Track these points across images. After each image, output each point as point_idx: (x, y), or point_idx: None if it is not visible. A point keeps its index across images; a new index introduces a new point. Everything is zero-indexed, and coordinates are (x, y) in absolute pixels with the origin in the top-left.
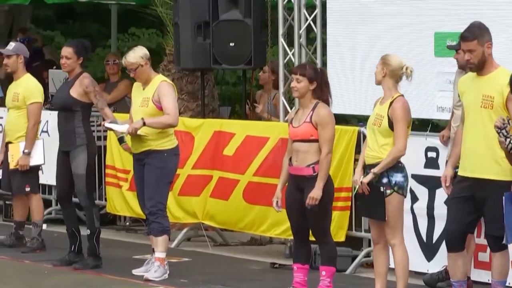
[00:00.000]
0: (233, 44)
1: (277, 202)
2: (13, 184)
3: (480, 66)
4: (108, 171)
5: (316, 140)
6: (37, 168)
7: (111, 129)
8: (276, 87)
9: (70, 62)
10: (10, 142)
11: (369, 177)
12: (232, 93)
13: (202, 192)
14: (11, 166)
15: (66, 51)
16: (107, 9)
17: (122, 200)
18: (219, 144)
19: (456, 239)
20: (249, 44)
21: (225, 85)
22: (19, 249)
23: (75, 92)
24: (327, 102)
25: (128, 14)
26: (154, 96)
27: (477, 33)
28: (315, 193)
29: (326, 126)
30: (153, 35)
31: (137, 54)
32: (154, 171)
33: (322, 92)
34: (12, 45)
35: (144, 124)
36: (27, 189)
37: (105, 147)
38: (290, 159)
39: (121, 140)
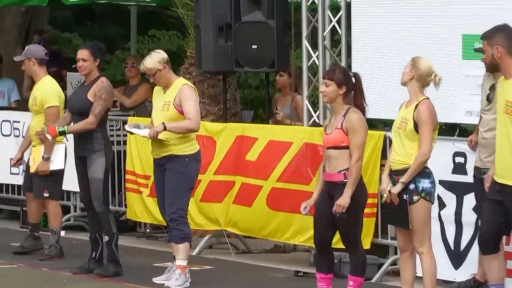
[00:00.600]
0: (256, 46)
1: (305, 207)
2: (34, 187)
3: (492, 67)
4: (128, 176)
5: (348, 147)
6: (59, 174)
7: (132, 133)
8: (294, 90)
9: (87, 64)
10: (34, 147)
11: (398, 187)
12: (254, 96)
13: (225, 198)
14: (32, 170)
15: (82, 53)
16: (127, 10)
17: (142, 206)
18: (241, 149)
19: (487, 240)
20: (272, 46)
21: (248, 89)
22: (37, 256)
23: (92, 95)
24: (360, 108)
25: (148, 15)
26: (175, 100)
27: (489, 34)
28: (343, 200)
29: (356, 132)
30: (174, 37)
31: (155, 59)
32: (175, 176)
33: (355, 97)
34: (24, 50)
35: (164, 128)
36: (45, 194)
37: (124, 151)
38: (324, 166)
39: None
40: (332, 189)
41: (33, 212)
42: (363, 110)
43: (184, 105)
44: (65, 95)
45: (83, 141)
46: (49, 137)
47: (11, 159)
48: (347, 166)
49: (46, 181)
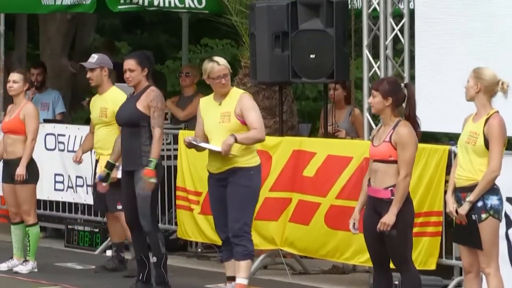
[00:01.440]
0: (314, 56)
1: (353, 224)
2: (108, 202)
3: None
4: (178, 193)
5: (396, 162)
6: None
7: (199, 148)
8: (348, 102)
9: (134, 75)
10: (96, 161)
11: (466, 207)
12: (312, 108)
13: (281, 216)
14: (102, 190)
15: (129, 63)
16: (178, 18)
17: (193, 224)
18: (298, 164)
19: None
20: (331, 55)
21: (305, 100)
22: (83, 277)
23: (141, 105)
24: (412, 120)
25: (200, 23)
26: (236, 110)
27: None
28: (388, 219)
29: (405, 147)
30: (227, 46)
31: (225, 61)
32: (240, 190)
33: (406, 109)
34: (94, 57)
35: (235, 140)
36: (119, 207)
37: (175, 167)
38: (370, 179)
39: (105, 179)
40: (378, 206)
41: (117, 230)
42: (414, 123)
43: (247, 115)
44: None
45: (131, 154)
46: (154, 180)
47: (55, 174)
48: (394, 182)
49: (118, 194)
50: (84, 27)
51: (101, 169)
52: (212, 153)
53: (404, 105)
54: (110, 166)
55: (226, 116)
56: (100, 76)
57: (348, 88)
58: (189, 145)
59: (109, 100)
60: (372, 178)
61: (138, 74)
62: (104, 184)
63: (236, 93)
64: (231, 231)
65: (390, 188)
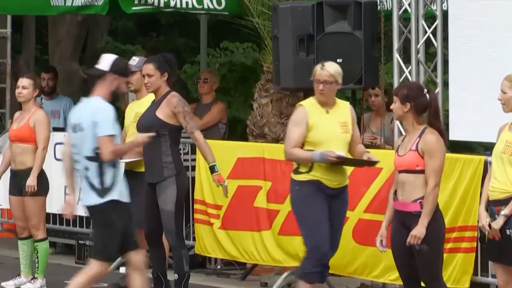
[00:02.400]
0: (341, 60)
1: (381, 241)
2: (134, 216)
3: None
4: (197, 206)
5: (423, 171)
6: None
7: (349, 162)
8: (390, 109)
9: (153, 80)
10: (130, 170)
11: (500, 221)
12: None
13: None
14: None
15: (147, 68)
16: (196, 20)
17: (213, 239)
18: None
19: None
20: (359, 60)
21: None
22: None
23: (162, 113)
24: (436, 128)
25: (220, 25)
26: (352, 122)
27: None
28: (418, 231)
29: (433, 155)
30: (249, 50)
31: (337, 68)
32: (345, 210)
33: (429, 116)
34: (135, 60)
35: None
36: None
37: (193, 178)
38: (396, 192)
39: (213, 169)
40: (406, 220)
41: None
42: (440, 131)
43: (355, 129)
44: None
45: (152, 166)
46: (226, 183)
47: (65, 186)
48: (422, 193)
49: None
50: (96, 29)
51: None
52: (341, 165)
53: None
54: None
55: (346, 127)
56: (140, 80)
57: (389, 94)
58: (338, 159)
59: (145, 105)
60: (399, 191)
61: (157, 79)
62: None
63: (344, 103)
64: (332, 252)
65: (419, 201)
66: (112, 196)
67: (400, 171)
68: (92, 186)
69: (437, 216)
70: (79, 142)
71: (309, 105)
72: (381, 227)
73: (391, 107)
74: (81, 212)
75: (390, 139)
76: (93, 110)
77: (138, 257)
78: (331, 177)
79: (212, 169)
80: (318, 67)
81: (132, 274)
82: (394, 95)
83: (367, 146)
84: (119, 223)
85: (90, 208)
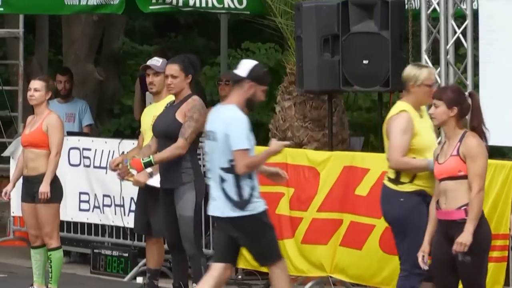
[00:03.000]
0: (367, 61)
1: (423, 257)
2: (154, 225)
3: None
4: None
5: (466, 177)
6: None
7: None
8: None
9: (177, 82)
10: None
11: None
12: (365, 120)
13: (330, 239)
14: (130, 178)
15: (171, 68)
16: (216, 19)
17: None
18: (349, 182)
19: None
20: (386, 61)
21: (357, 111)
22: None
23: (181, 116)
24: (478, 131)
25: (241, 25)
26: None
27: None
28: (464, 238)
29: (475, 159)
30: (271, 51)
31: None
32: None
33: (471, 119)
34: (159, 60)
35: None
36: None
37: None
38: (438, 202)
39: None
40: (450, 229)
41: (155, 256)
42: (481, 134)
43: None
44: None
45: (169, 171)
46: (133, 172)
47: (80, 193)
48: (466, 200)
49: None
50: (112, 29)
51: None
52: None
53: (468, 116)
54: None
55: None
56: (163, 82)
57: None
58: None
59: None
60: (441, 199)
61: (181, 81)
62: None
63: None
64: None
65: (463, 208)
66: (253, 209)
67: (442, 179)
68: (229, 198)
69: (482, 223)
70: (213, 151)
71: (410, 110)
72: (423, 242)
73: (430, 112)
74: (96, 219)
75: None
76: (227, 121)
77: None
78: (432, 185)
79: (146, 158)
80: (425, 71)
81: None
82: (436, 99)
83: None
84: (266, 232)
85: (226, 219)
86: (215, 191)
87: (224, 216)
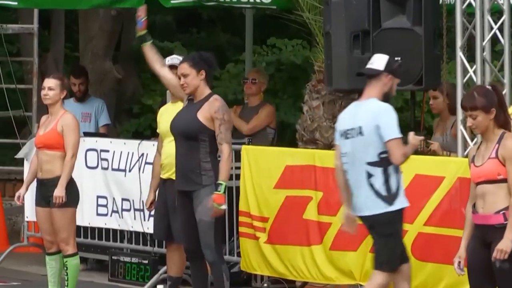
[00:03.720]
0: (399, 58)
1: (459, 263)
2: (175, 230)
3: None
4: (241, 219)
5: (505, 180)
6: None
7: None
8: (453, 112)
9: (189, 80)
10: (169, 179)
11: None
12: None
13: (360, 245)
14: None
15: (181, 68)
16: (241, 14)
17: (259, 255)
18: None
19: None
20: (419, 58)
21: None
22: None
23: (203, 116)
24: (507, 127)
25: (267, 21)
26: None
27: None
28: (504, 245)
29: None
30: (298, 48)
31: None
32: None
33: (502, 114)
34: (179, 59)
35: None
36: None
37: (237, 188)
38: (474, 206)
39: (217, 187)
40: (487, 235)
41: (176, 263)
42: (509, 129)
43: None
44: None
45: (188, 172)
46: (224, 207)
47: (98, 196)
48: (506, 204)
49: None
50: (131, 25)
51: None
52: None
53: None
54: None
55: None
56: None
57: (452, 95)
58: None
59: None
60: (479, 203)
61: (193, 79)
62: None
63: None
64: None
65: (502, 212)
66: (401, 203)
67: (479, 183)
68: (377, 193)
69: None
70: (357, 148)
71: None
72: (460, 247)
73: (469, 124)
74: (115, 225)
75: (452, 145)
76: (376, 112)
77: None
78: None
79: (216, 187)
80: None
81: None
82: (471, 110)
83: (420, 152)
84: (401, 231)
85: (375, 216)
86: (359, 189)
87: (375, 214)
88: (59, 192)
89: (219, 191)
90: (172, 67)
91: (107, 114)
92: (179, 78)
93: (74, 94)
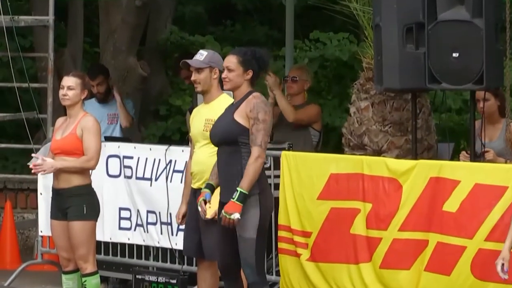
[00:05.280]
0: (457, 54)
1: (502, 265)
2: (206, 246)
3: None
4: (281, 233)
5: None
6: None
7: None
8: (503, 115)
9: (232, 76)
10: (200, 189)
11: None
12: (455, 124)
13: (414, 263)
14: (208, 215)
15: (228, 60)
16: (280, 5)
17: (300, 274)
18: (437, 196)
19: None
20: (479, 54)
21: (446, 113)
22: None
23: (240, 116)
24: None
25: (309, 12)
26: None
27: None
28: None
29: None
30: (345, 42)
31: None
32: None
33: None
34: (203, 54)
35: None
36: None
37: (276, 199)
38: None
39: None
40: None
41: (208, 282)
42: None
43: None
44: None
45: (229, 181)
46: (236, 216)
47: (120, 208)
48: None
49: None
50: (158, 16)
51: (209, 208)
52: None
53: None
54: (210, 187)
55: None
56: (209, 79)
57: (501, 96)
58: None
59: (217, 110)
60: None
61: (237, 77)
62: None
63: None
64: None
65: None
66: None
67: None
68: None
69: None
70: None
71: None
72: (503, 248)
73: None
74: (139, 240)
75: (504, 152)
76: None
77: None
78: None
79: (234, 194)
80: None
81: None
82: None
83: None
84: None
85: None
86: None
87: None
88: (52, 164)
89: (233, 199)
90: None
91: (132, 108)
92: (224, 70)
93: (95, 96)
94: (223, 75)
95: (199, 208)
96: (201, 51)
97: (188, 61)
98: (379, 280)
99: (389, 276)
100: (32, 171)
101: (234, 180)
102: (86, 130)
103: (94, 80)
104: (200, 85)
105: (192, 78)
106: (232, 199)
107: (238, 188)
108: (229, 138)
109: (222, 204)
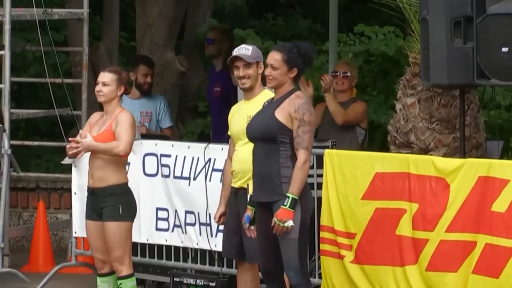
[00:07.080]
0: (507, 49)
1: None
2: (247, 248)
3: None
4: (324, 234)
5: None
6: None
7: None
8: None
9: (276, 74)
10: (242, 188)
11: None
12: (505, 121)
13: (462, 265)
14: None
15: (271, 57)
16: None
17: (344, 276)
18: (486, 195)
19: None
20: None
21: (496, 110)
22: None
23: (282, 114)
24: None
25: (353, 4)
26: None
27: None
28: None
29: None
30: (391, 36)
31: None
32: None
33: None
34: (249, 48)
35: None
36: None
37: (319, 199)
38: None
39: (253, 220)
40: None
41: (248, 285)
42: None
43: None
44: None
45: (266, 181)
46: (290, 224)
47: (157, 208)
48: None
49: None
50: (197, 9)
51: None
52: None
53: None
54: (253, 203)
55: None
56: (256, 75)
57: None
58: None
59: (260, 107)
60: None
61: (281, 75)
62: (253, 227)
63: None
64: None
65: None
66: None
67: None
68: None
69: None
70: None
71: None
72: None
73: None
74: (177, 241)
75: None
76: None
77: None
78: None
79: (284, 200)
80: None
81: None
82: None
83: None
84: None
85: None
86: None
87: None
88: (87, 142)
89: (285, 205)
90: (237, 59)
91: (170, 115)
92: (267, 67)
93: (140, 88)
94: (267, 73)
95: (247, 232)
96: (244, 45)
97: (241, 55)
98: (426, 283)
99: (435, 279)
100: (69, 152)
101: (270, 180)
102: (119, 123)
103: (152, 68)
104: (249, 81)
105: (241, 74)
106: (283, 206)
107: (288, 194)
108: (269, 134)
109: (257, 204)
